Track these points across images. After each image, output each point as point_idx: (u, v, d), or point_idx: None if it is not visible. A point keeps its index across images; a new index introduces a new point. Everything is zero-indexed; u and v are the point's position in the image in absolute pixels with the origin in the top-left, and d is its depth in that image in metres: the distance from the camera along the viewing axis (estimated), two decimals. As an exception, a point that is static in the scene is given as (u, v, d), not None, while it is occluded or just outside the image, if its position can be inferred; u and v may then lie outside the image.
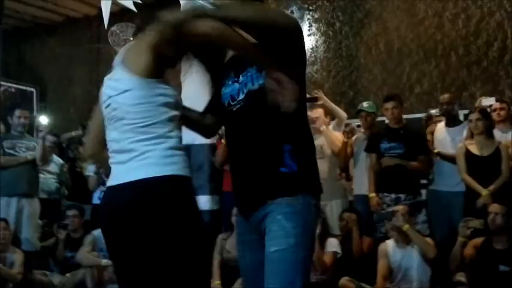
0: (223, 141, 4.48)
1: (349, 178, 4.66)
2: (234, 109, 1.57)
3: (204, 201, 4.44)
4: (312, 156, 1.60)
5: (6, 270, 3.86)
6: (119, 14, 5.69)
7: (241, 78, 1.56)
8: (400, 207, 3.60)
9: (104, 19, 4.98)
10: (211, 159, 4.52)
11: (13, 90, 4.95)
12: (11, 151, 4.27)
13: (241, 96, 1.56)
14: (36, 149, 4.30)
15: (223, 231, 4.16)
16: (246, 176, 1.58)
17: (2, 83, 5.62)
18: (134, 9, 4.79)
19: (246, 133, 1.56)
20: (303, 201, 1.49)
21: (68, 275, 4.18)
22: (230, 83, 1.59)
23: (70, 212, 4.53)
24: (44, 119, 5.80)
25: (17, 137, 4.36)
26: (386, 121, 4.35)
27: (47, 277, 4.16)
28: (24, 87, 7.31)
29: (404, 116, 4.33)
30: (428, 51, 5.72)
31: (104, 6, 4.91)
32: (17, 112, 4.39)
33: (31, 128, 4.81)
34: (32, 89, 7.50)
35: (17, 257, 3.98)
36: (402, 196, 3.89)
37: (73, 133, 5.73)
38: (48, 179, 4.79)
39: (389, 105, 4.09)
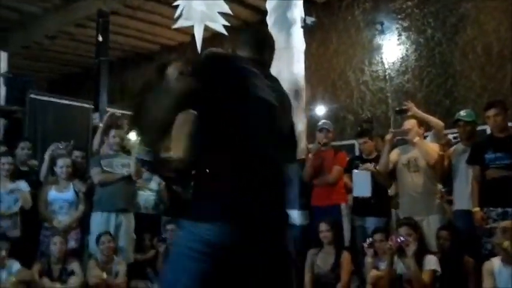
0: (310, 155, 4.48)
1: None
2: None
3: (295, 217, 4.45)
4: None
5: (112, 280, 4.17)
6: (210, 39, 5.99)
7: None
8: (507, 223, 3.30)
9: (197, 44, 5.26)
10: (300, 174, 4.52)
11: (119, 114, 5.44)
12: (109, 169, 4.56)
13: None
14: (131, 166, 4.57)
15: (313, 247, 4.11)
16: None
17: (109, 109, 6.12)
18: (225, 32, 5.00)
19: None
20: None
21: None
22: None
23: (169, 226, 4.78)
24: (134, 137, 6.14)
25: (113, 155, 4.64)
26: (488, 131, 4.04)
27: (148, 287, 4.42)
28: (124, 112, 7.92)
29: (510, 124, 3.99)
30: (533, 52, 5.25)
31: (196, 33, 5.19)
32: (113, 132, 4.69)
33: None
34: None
35: (121, 267, 4.29)
36: (510, 210, 3.56)
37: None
38: (148, 196, 5.10)
39: (491, 112, 3.80)
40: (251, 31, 2.00)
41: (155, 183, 5.14)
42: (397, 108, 4.25)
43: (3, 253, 3.94)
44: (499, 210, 3.60)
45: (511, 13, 5.38)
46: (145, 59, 8.56)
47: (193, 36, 5.24)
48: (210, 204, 1.46)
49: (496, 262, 3.26)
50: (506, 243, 3.15)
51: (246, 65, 1.60)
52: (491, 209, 3.65)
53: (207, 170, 1.50)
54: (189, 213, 1.48)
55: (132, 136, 6.32)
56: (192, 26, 5.15)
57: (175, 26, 5.33)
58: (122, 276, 4.24)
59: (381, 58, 6.27)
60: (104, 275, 4.14)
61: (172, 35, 7.71)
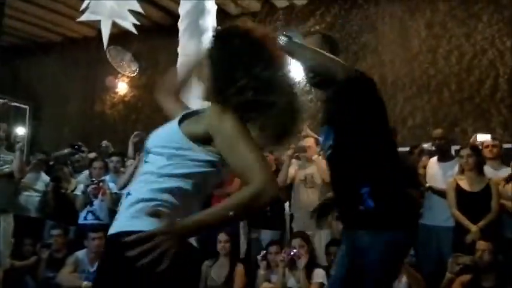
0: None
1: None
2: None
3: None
4: (396, 192, 1.82)
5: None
6: (118, 36, 5.74)
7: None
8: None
9: (103, 40, 5.00)
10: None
11: (9, 104, 4.95)
12: None
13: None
14: (14, 162, 4.21)
15: (208, 258, 4.07)
16: (340, 208, 2.00)
17: (-3, 98, 5.57)
18: (134, 31, 4.82)
19: (334, 176, 1.94)
20: (380, 239, 1.73)
21: (46, 296, 4.06)
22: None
23: (54, 232, 4.43)
24: (21, 130, 5.69)
25: None
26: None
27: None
28: (18, 104, 7.30)
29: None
30: (421, 86, 5.79)
31: (103, 28, 4.94)
32: None
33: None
34: (26, 106, 7.49)
35: (-5, 275, 3.88)
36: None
37: (65, 151, 5.66)
38: (33, 197, 4.70)
39: None
40: (331, 38, 2.12)
41: (42, 183, 4.76)
42: None
43: None
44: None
45: (406, 48, 5.90)
46: (44, 49, 7.96)
47: (99, 31, 4.98)
48: (402, 211, 1.78)
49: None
50: None
51: None
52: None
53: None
54: (391, 224, 1.75)
55: (19, 130, 5.83)
56: (99, 21, 4.90)
57: (81, 18, 5.03)
58: (-5, 284, 3.83)
59: (288, 76, 6.49)
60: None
61: (77, 27, 7.27)
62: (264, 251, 3.91)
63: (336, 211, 2.15)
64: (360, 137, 1.80)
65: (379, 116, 1.86)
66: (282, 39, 1.76)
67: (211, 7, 4.96)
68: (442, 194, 3.98)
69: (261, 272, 3.83)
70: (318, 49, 1.87)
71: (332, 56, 1.87)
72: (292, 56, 1.77)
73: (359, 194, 1.75)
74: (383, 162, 1.80)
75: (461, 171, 3.92)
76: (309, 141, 4.30)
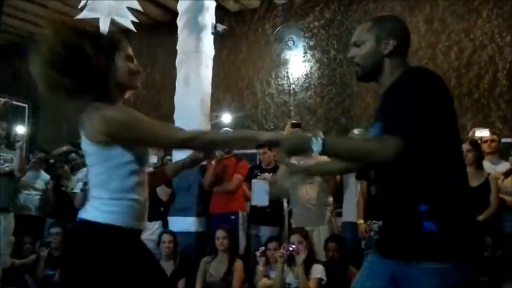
0: (213, 162, 4.45)
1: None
2: None
3: (190, 223, 4.39)
4: (462, 214, 1.44)
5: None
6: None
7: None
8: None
9: (101, 37, 4.99)
10: (201, 181, 4.48)
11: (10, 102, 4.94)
12: None
13: None
14: (14, 161, 4.22)
15: (208, 254, 4.08)
16: (386, 224, 1.59)
17: (-3, 97, 5.57)
18: (133, 28, 4.82)
19: (384, 185, 1.57)
20: (456, 271, 1.38)
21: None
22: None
23: (54, 230, 4.44)
24: (20, 129, 5.70)
25: None
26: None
27: (25, 295, 4.06)
28: (17, 103, 7.29)
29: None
30: (420, 81, 5.77)
31: (102, 25, 4.94)
32: None
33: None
34: (25, 105, 7.49)
35: (-6, 273, 3.89)
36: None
37: (64, 148, 5.66)
38: (33, 195, 4.71)
39: None
40: (400, 21, 1.69)
41: (42, 181, 4.76)
42: (293, 121, 4.40)
43: None
44: (381, 223, 3.87)
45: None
46: (43, 47, 7.96)
47: (98, 28, 4.98)
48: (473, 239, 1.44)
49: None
50: None
51: None
52: (373, 222, 3.92)
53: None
54: (461, 252, 1.40)
55: (19, 129, 5.83)
56: (98, 19, 4.89)
57: (79, 16, 5.02)
58: (-6, 282, 3.84)
59: (287, 73, 6.49)
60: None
61: (76, 25, 7.26)
62: (263, 247, 3.91)
63: (381, 231, 1.94)
64: (421, 139, 1.38)
65: (444, 117, 1.45)
66: (318, 146, 1.40)
67: (210, 4, 4.96)
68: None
69: (260, 268, 3.84)
70: (351, 138, 1.78)
71: (367, 140, 1.59)
72: (337, 158, 1.66)
73: (415, 212, 1.40)
74: (448, 174, 1.43)
75: (460, 166, 3.91)
76: (307, 137, 4.28)
